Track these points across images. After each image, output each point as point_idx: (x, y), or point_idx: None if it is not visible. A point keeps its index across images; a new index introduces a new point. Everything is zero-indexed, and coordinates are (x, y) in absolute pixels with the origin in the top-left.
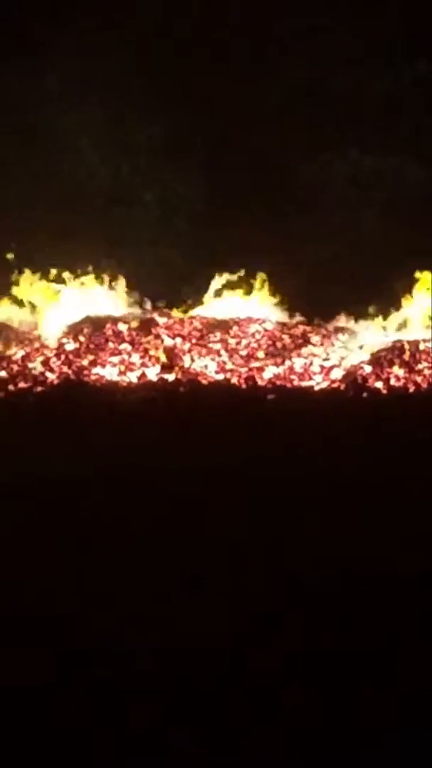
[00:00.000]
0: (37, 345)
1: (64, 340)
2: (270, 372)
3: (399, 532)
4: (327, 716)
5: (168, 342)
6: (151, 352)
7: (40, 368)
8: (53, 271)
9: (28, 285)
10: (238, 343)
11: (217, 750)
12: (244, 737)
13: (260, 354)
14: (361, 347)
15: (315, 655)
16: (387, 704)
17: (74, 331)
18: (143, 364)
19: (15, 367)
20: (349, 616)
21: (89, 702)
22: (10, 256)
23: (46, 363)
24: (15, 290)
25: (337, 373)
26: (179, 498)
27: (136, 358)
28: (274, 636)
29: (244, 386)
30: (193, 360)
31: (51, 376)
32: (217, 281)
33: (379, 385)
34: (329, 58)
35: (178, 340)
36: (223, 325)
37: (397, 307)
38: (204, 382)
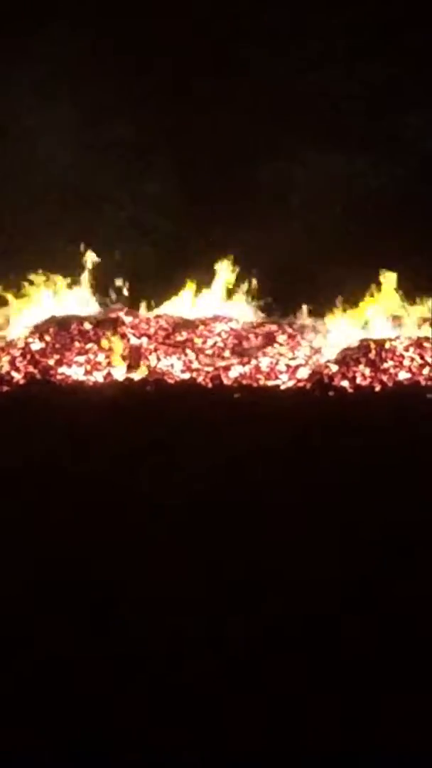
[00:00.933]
0: (2, 344)
1: (30, 340)
2: (236, 371)
3: (365, 531)
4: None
5: (134, 341)
6: (117, 352)
7: (6, 367)
8: (20, 271)
9: None
10: (204, 342)
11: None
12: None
13: (226, 353)
14: (326, 346)
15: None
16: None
17: (40, 330)
18: (109, 364)
19: None
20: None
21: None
22: None
23: (12, 363)
24: None
25: (304, 372)
26: (146, 498)
27: (101, 357)
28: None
29: (210, 385)
30: (159, 359)
31: (17, 376)
32: (183, 280)
33: (345, 384)
34: (294, 61)
35: (144, 339)
36: (189, 325)
37: (362, 306)
38: (170, 381)
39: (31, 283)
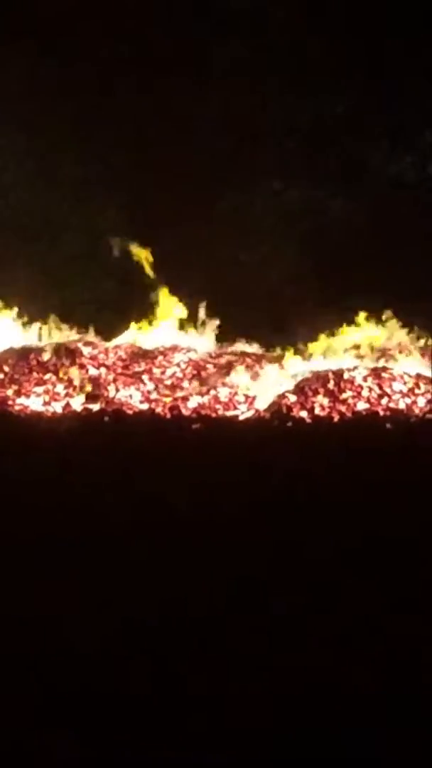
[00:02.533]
0: None
1: None
2: (194, 401)
3: (322, 555)
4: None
5: (93, 372)
6: (76, 382)
7: None
8: None
9: None
10: (162, 373)
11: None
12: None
13: (185, 383)
14: (285, 377)
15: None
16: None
17: None
18: (68, 394)
19: None
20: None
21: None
22: None
23: None
24: None
25: (262, 403)
26: (103, 527)
27: (60, 388)
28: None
29: (168, 416)
30: (117, 389)
31: None
32: (141, 311)
33: (303, 414)
34: (258, 89)
35: (103, 369)
36: (148, 355)
37: (322, 336)
38: (128, 411)
39: None
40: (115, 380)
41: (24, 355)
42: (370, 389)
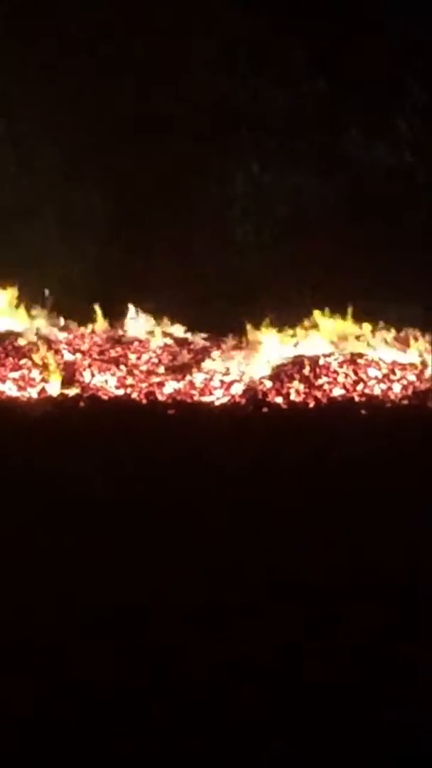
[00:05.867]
0: None
1: None
2: (170, 387)
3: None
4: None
5: (68, 357)
6: (51, 368)
7: None
8: None
9: None
10: (138, 359)
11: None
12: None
13: (161, 369)
14: (260, 362)
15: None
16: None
17: None
18: (43, 380)
19: None
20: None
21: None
22: None
23: None
24: None
25: (237, 388)
26: (79, 515)
27: (35, 373)
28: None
29: (144, 401)
30: (93, 375)
31: None
32: (117, 296)
33: (279, 400)
34: (233, 73)
35: (78, 355)
36: (124, 340)
37: (298, 322)
38: (104, 397)
39: None
40: (90, 366)
41: None
42: (346, 375)
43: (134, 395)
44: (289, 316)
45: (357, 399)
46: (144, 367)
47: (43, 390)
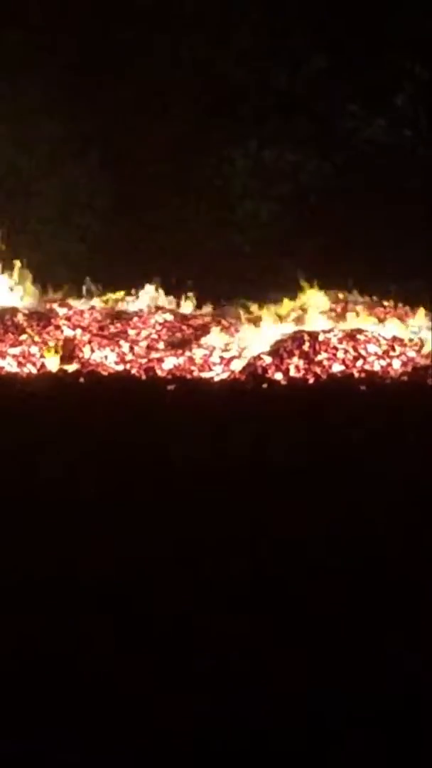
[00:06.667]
0: None
1: None
2: (170, 363)
3: (296, 526)
4: None
5: (68, 333)
6: (51, 344)
7: None
8: None
9: None
10: (138, 334)
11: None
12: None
13: (160, 345)
14: (260, 338)
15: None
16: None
17: None
18: (43, 355)
19: None
20: None
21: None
22: None
23: None
24: None
25: (237, 364)
26: (82, 490)
27: (35, 349)
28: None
29: (143, 377)
30: (93, 351)
31: None
32: (119, 272)
33: (278, 376)
34: (231, 52)
35: (78, 331)
36: (123, 316)
37: (297, 298)
38: (104, 372)
39: None
40: (90, 341)
41: None
42: (346, 351)
43: (134, 371)
44: (289, 292)
45: (356, 375)
46: (144, 343)
47: (42, 366)
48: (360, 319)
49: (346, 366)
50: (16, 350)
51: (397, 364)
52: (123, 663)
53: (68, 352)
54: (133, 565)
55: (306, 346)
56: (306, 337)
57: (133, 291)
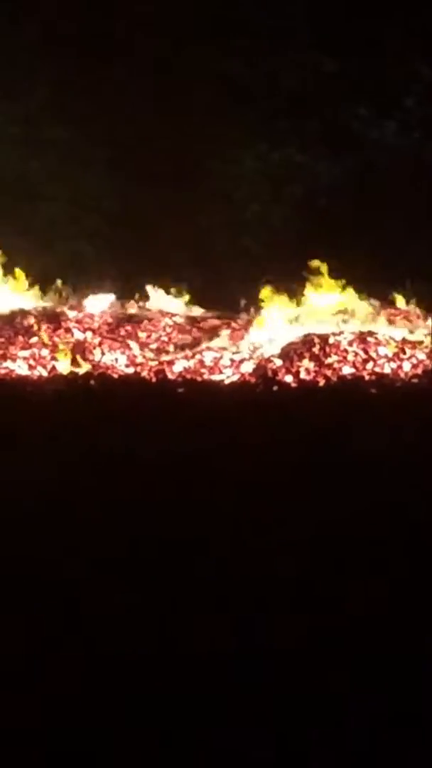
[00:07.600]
0: None
1: None
2: (180, 365)
3: (303, 528)
4: None
5: (78, 335)
6: (61, 346)
7: None
8: None
9: None
10: (148, 337)
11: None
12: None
13: (170, 347)
14: (270, 341)
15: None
16: None
17: None
18: (53, 358)
19: None
20: None
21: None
22: None
23: None
24: None
25: (248, 367)
26: (91, 493)
27: (46, 351)
28: None
29: (154, 380)
30: (103, 353)
31: None
32: (129, 274)
33: (289, 378)
34: (240, 53)
35: (89, 333)
36: (134, 319)
37: (307, 300)
38: (114, 375)
39: None
40: (100, 344)
41: (9, 320)
42: (356, 354)
43: (144, 373)
44: (299, 295)
45: (367, 377)
46: (154, 346)
47: (53, 368)
48: (370, 321)
49: (357, 368)
50: (26, 353)
51: (407, 366)
52: (123, 663)
53: (78, 354)
54: (145, 568)
55: (316, 349)
56: (316, 340)
57: (143, 293)
